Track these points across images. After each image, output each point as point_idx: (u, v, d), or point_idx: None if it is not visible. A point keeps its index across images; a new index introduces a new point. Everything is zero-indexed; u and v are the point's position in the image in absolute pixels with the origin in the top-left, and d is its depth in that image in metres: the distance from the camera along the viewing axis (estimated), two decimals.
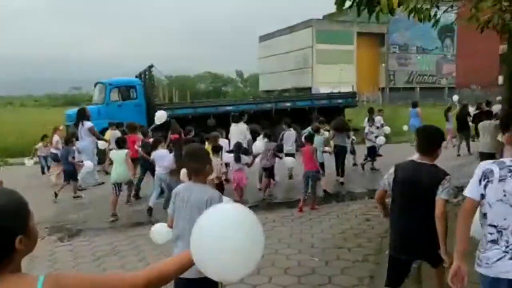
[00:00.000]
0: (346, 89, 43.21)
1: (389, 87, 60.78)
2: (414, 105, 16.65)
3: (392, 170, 3.66)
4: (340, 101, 18.43)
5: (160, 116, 10.67)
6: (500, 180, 2.58)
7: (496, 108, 14.50)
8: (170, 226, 3.46)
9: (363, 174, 12.09)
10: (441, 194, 3.32)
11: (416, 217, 3.47)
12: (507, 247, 2.58)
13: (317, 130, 10.05)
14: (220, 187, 7.60)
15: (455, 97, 18.84)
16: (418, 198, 3.45)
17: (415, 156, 3.65)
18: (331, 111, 16.70)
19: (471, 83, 48.15)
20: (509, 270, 2.57)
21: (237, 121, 11.05)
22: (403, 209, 3.55)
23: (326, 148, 10.07)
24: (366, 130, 12.33)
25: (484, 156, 8.04)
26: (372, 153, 12.25)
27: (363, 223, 7.40)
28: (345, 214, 8.03)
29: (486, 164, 2.72)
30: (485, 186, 2.63)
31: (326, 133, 10.72)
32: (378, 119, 13.98)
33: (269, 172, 9.65)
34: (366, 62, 61.50)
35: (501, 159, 2.71)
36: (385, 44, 62.47)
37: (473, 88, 47.97)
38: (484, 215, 2.70)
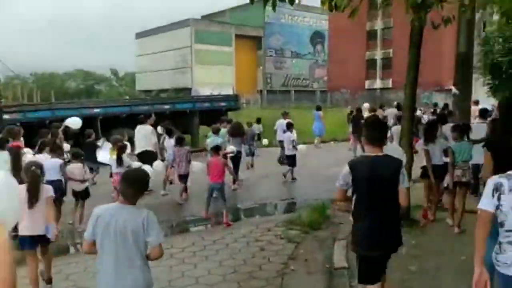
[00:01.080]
0: (226, 90, 42.41)
1: (266, 90, 61.44)
2: (318, 108, 17.01)
3: (347, 169, 3.50)
4: (223, 104, 17.18)
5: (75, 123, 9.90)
6: (510, 190, 2.80)
7: (391, 111, 15.30)
8: (87, 252, 3.22)
9: (269, 184, 11.51)
10: (404, 184, 3.46)
11: (387, 210, 3.46)
12: None
13: (216, 131, 9.85)
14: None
15: (366, 105, 18.86)
16: (385, 191, 3.44)
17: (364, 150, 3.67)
18: (214, 114, 15.34)
19: (341, 87, 50.32)
20: None
21: (142, 123, 10.36)
22: (372, 205, 3.46)
23: (229, 149, 9.85)
24: (292, 138, 11.37)
25: None
26: (293, 161, 11.44)
27: (257, 254, 6.07)
28: (235, 242, 6.61)
29: (496, 178, 2.90)
30: (499, 198, 2.84)
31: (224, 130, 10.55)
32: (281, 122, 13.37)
33: (185, 179, 9.31)
34: (245, 64, 61.55)
35: (508, 172, 2.87)
36: (262, 48, 63.11)
37: (343, 91, 50.17)
38: (501, 224, 2.87)
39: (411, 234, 6.14)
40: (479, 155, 7.17)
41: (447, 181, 6.57)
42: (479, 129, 7.92)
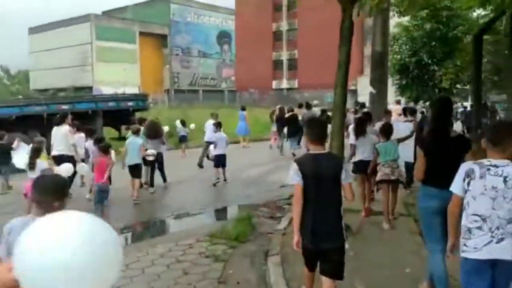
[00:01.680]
0: (131, 90, 40.30)
1: (174, 89, 59.84)
2: (243, 108, 16.95)
3: (295, 166, 3.58)
4: (130, 103, 15.80)
5: None
6: (480, 177, 3.00)
7: (315, 110, 15.69)
8: None
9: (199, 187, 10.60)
10: (348, 179, 3.66)
11: (331, 206, 3.59)
12: (492, 232, 2.96)
13: (136, 132, 9.33)
14: None
15: (316, 101, 19.51)
16: (329, 188, 3.55)
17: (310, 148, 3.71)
18: (120, 115, 14.01)
19: (250, 87, 50.36)
20: (495, 252, 2.96)
21: (59, 124, 9.49)
22: (317, 201, 3.55)
23: (148, 151, 9.30)
24: (225, 137, 10.92)
25: None
26: (225, 161, 10.79)
27: (181, 280, 5.15)
28: (152, 265, 5.64)
29: (469, 164, 3.13)
30: (468, 183, 3.06)
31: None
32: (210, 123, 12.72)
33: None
34: (150, 62, 59.47)
35: (480, 160, 3.08)
36: (168, 46, 61.40)
37: (251, 91, 50.23)
38: (467, 205, 3.08)
39: (348, 242, 5.61)
40: (407, 152, 7.17)
41: (379, 176, 6.66)
42: (404, 127, 7.89)
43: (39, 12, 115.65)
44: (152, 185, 9.91)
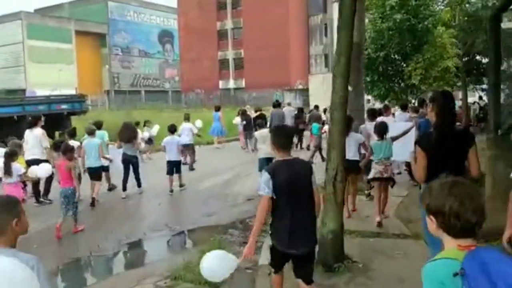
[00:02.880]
0: (68, 92, 37.25)
1: (114, 90, 56.74)
2: (217, 109, 16.35)
3: (266, 176, 3.48)
4: (64, 106, 13.65)
5: None
6: None
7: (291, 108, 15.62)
8: None
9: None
10: (315, 183, 3.63)
11: (305, 210, 3.58)
12: None
13: (91, 133, 8.98)
14: None
15: (288, 101, 20.03)
16: (302, 192, 3.56)
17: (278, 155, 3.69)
18: (53, 120, 11.95)
19: (196, 87, 48.46)
20: None
21: (31, 127, 9.11)
22: (292, 207, 3.53)
23: (108, 156, 9.12)
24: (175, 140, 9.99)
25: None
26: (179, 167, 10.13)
27: None
28: None
29: None
30: None
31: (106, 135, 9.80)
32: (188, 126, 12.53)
33: None
34: (88, 63, 56.24)
35: None
36: (107, 45, 58.22)
37: (197, 92, 48.36)
38: None
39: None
40: (402, 151, 6.58)
41: (372, 173, 6.68)
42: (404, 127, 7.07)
43: None
44: (124, 189, 9.26)
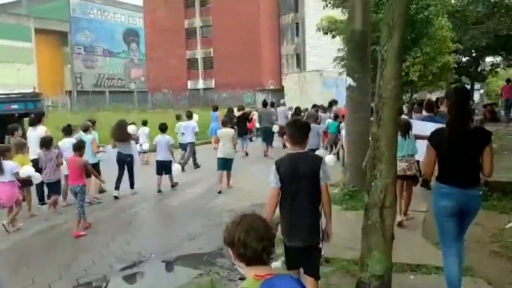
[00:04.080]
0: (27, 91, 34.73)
1: (76, 91, 53.89)
2: (215, 109, 16.05)
3: (273, 168, 3.63)
4: (15, 106, 11.73)
5: None
6: None
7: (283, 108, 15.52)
8: None
9: None
10: (325, 179, 3.57)
11: (308, 205, 3.56)
12: None
13: (86, 129, 8.95)
14: None
15: (283, 100, 18.82)
16: (305, 186, 3.54)
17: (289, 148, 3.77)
18: (3, 122, 10.11)
19: (163, 88, 46.38)
20: None
21: (34, 124, 8.90)
22: (294, 200, 3.56)
23: (100, 152, 8.87)
24: (171, 142, 9.74)
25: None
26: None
27: None
28: None
29: None
30: None
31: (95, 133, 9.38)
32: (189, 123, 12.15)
33: (55, 187, 7.89)
34: (49, 62, 53.29)
35: None
36: (69, 44, 55.30)
37: (165, 92, 46.33)
38: None
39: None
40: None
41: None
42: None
43: None
44: (117, 188, 8.96)
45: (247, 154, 14.11)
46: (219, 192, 9.00)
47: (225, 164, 9.35)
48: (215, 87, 44.65)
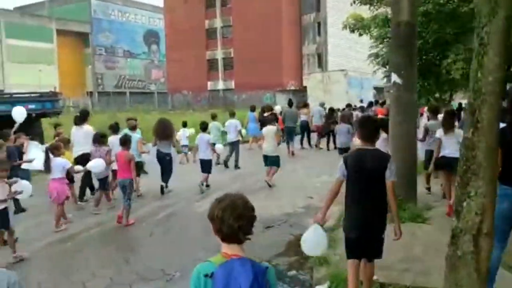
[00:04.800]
0: None
1: (97, 91, 53.94)
2: (252, 109, 15.93)
3: (340, 162, 3.77)
4: (32, 106, 11.22)
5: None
6: None
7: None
8: None
9: None
10: (391, 177, 3.60)
11: (376, 199, 3.63)
12: None
13: (133, 127, 9.03)
14: None
15: (320, 101, 18.48)
16: (373, 182, 3.63)
17: (357, 144, 3.98)
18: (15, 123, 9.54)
19: (182, 89, 45.96)
20: None
21: (80, 123, 8.78)
22: (362, 194, 3.65)
23: (145, 153, 8.93)
24: (210, 140, 9.72)
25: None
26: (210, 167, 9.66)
27: None
28: None
29: None
30: None
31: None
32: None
33: (102, 183, 7.94)
34: (70, 63, 53.46)
35: None
36: (90, 45, 55.40)
37: (184, 93, 45.91)
38: None
39: None
40: None
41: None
42: None
43: None
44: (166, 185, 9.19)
45: (294, 154, 13.85)
46: (270, 186, 9.31)
47: (267, 160, 9.51)
48: (235, 88, 44.04)
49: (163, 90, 54.68)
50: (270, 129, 9.51)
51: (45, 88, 41.05)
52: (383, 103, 16.51)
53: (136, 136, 8.67)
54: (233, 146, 12.03)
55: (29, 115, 10.99)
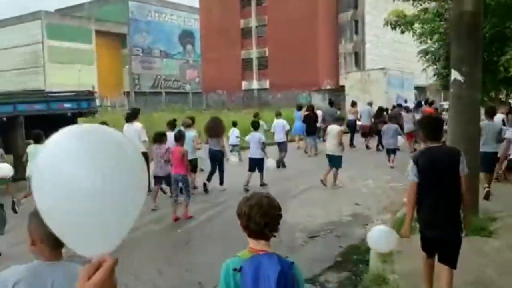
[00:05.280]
0: None
1: (134, 91, 54.53)
2: (299, 108, 15.86)
3: (411, 163, 3.74)
4: (68, 105, 11.03)
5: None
6: None
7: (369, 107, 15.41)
8: None
9: None
10: (464, 170, 3.61)
11: (450, 196, 3.60)
12: None
13: (188, 125, 9.14)
14: None
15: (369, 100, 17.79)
16: (444, 178, 3.61)
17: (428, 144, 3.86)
18: (53, 122, 9.29)
19: (217, 88, 45.78)
20: None
21: (130, 120, 9.03)
22: (434, 191, 3.61)
23: (200, 146, 9.12)
24: (262, 139, 9.69)
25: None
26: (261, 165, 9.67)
27: None
28: None
29: None
30: None
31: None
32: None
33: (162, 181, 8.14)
34: (108, 64, 54.25)
35: None
36: (128, 46, 56.06)
37: (219, 93, 45.73)
38: None
39: None
40: None
41: None
42: None
43: None
44: (208, 180, 9.27)
45: (316, 155, 13.68)
46: (324, 185, 9.13)
47: (330, 160, 9.24)
48: (269, 88, 43.48)
49: (198, 90, 54.72)
50: (333, 128, 9.32)
51: (84, 88, 41.80)
52: (432, 102, 15.97)
53: (191, 134, 8.83)
54: (281, 146, 11.90)
55: (64, 114, 10.84)
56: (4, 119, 9.35)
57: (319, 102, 30.41)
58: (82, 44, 51.50)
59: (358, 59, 41.01)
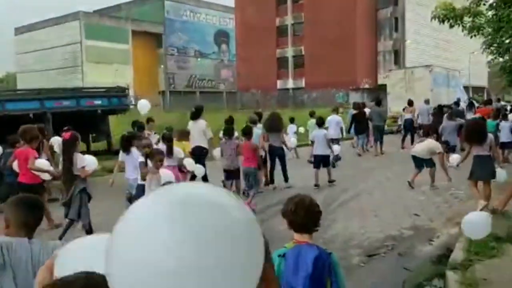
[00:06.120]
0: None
1: (169, 91, 54.53)
2: (354, 108, 15.39)
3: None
4: (98, 102, 10.42)
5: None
6: None
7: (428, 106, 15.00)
8: None
9: None
10: None
11: None
12: None
13: (254, 122, 9.08)
14: None
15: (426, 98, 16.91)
16: None
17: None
18: (83, 120, 8.71)
19: (252, 87, 45.07)
20: None
21: (195, 118, 9.07)
22: None
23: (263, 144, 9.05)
24: (328, 136, 9.77)
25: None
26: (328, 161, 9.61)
27: None
28: None
29: None
30: None
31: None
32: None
33: (232, 175, 7.92)
34: (144, 63, 54.45)
35: None
36: (163, 46, 56.13)
37: (253, 92, 45.01)
38: None
39: None
40: None
41: None
42: None
43: (25, 10, 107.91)
44: (272, 181, 9.28)
45: (359, 155, 13.55)
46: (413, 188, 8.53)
47: (420, 161, 8.69)
48: (305, 87, 42.40)
49: (232, 89, 54.20)
50: (436, 146, 8.79)
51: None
52: (489, 101, 14.60)
53: (257, 131, 8.81)
54: (333, 143, 11.37)
55: (95, 111, 10.23)
56: (31, 115, 8.79)
57: (358, 100, 29.21)
58: (119, 44, 51.83)
59: (398, 57, 39.39)
